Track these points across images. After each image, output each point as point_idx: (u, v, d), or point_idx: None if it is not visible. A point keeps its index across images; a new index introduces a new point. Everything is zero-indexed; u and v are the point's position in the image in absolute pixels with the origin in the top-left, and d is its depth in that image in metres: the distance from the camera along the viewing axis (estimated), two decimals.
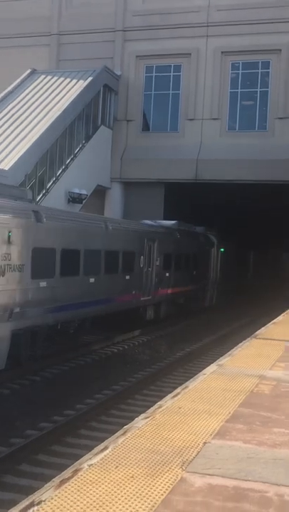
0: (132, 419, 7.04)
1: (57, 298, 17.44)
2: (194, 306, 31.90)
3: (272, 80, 30.97)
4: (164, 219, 30.53)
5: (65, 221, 18.44)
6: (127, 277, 22.91)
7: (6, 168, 23.84)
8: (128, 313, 23.84)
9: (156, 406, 7.28)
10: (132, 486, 4.66)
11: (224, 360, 10.65)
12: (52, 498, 4.31)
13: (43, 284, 16.59)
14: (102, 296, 20.46)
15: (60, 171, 28.05)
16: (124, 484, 4.68)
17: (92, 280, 19.73)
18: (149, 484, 4.71)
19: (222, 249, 35.82)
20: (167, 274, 27.02)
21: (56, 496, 4.37)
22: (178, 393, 7.92)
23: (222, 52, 31.39)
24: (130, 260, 23.29)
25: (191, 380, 8.97)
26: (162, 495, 4.52)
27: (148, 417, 6.70)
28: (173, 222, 29.37)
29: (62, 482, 4.68)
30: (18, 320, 15.47)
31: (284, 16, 29.95)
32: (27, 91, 31.00)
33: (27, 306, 15.81)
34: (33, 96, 30.42)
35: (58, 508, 4.16)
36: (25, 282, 15.70)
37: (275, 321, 17.56)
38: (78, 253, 18.83)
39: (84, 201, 29.02)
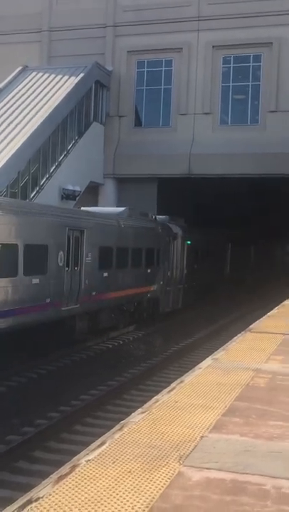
0: (128, 414, 7.06)
1: None
2: (153, 311, 26.65)
3: (263, 74, 31.00)
4: (158, 214, 30.48)
5: None
6: (35, 281, 17.04)
7: None
8: (51, 327, 18.45)
9: (152, 401, 7.30)
10: (130, 481, 4.67)
11: (219, 354, 10.67)
12: (50, 495, 4.31)
13: None
14: None
15: (53, 167, 28.03)
16: (121, 479, 4.68)
17: None
18: (147, 479, 4.72)
19: (188, 242, 30.39)
20: (106, 274, 21.14)
21: (54, 492, 4.37)
22: (174, 388, 7.93)
23: (213, 46, 31.36)
24: (40, 257, 17.34)
25: (187, 374, 8.98)
26: (160, 489, 4.53)
27: (144, 412, 6.71)
28: (121, 209, 25.12)
29: (60, 478, 4.68)
30: None
31: (275, 9, 29.95)
32: (19, 88, 30.95)
33: None
34: (25, 93, 30.36)
35: (56, 504, 4.16)
36: None
37: (269, 314, 17.59)
38: None
39: (77, 198, 28.99)
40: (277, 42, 30.39)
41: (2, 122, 27.77)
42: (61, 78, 30.94)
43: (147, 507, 4.21)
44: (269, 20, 30.02)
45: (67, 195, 28.31)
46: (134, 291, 23.93)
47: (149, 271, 25.56)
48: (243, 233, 44.90)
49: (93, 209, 24.49)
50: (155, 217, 27.94)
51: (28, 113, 28.20)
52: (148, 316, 26.18)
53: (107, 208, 25.39)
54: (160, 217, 28.55)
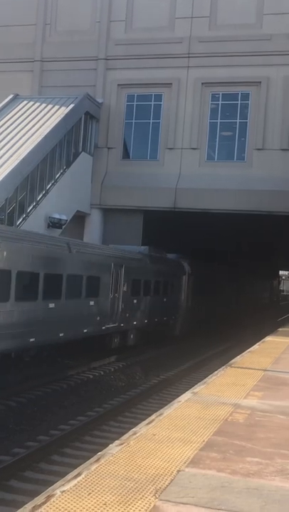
0: (106, 445, 7.05)
1: None
2: None
3: (251, 112, 31.33)
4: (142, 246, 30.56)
5: None
6: None
7: None
8: None
9: (130, 433, 7.31)
10: None
11: (199, 387, 10.70)
12: None
13: None
14: None
15: (40, 195, 28.09)
16: None
17: None
18: None
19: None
20: None
21: None
22: (152, 420, 7.95)
23: (202, 83, 31.74)
24: None
25: (166, 407, 9.00)
26: None
27: (122, 444, 6.72)
28: None
29: (34, 508, 4.68)
30: None
31: (264, 49, 30.46)
32: (9, 116, 31.12)
33: None
34: (15, 121, 30.53)
35: None
36: None
37: (250, 349, 17.67)
38: None
39: (64, 226, 29.05)
40: (265, 81, 30.83)
41: None
42: (52, 108, 31.18)
43: None
44: (258, 60, 30.49)
45: (53, 224, 28.36)
46: None
47: None
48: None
49: None
50: None
51: (17, 141, 28.33)
52: None
53: None
54: None
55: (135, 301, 26.47)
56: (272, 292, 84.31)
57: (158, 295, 29.31)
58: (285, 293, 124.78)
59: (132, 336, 26.50)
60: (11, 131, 29.43)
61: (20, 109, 31.72)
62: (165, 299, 30.48)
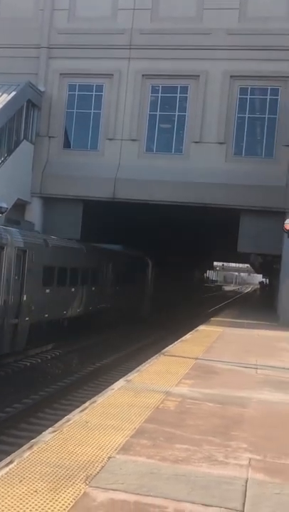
0: (41, 432, 7.16)
1: None
2: None
3: (189, 105, 31.57)
4: (82, 236, 30.55)
5: None
6: None
7: None
8: None
9: (64, 420, 7.45)
10: (35, 500, 4.80)
11: (132, 375, 10.89)
12: None
13: None
14: None
15: None
16: (27, 499, 4.81)
17: None
18: (52, 499, 4.86)
19: None
20: None
21: None
22: (86, 407, 8.10)
23: (143, 75, 31.78)
24: None
25: (100, 394, 9.16)
26: (64, 510, 4.68)
27: (55, 431, 6.86)
28: None
29: None
30: None
31: (203, 43, 30.69)
32: None
33: None
34: None
35: None
36: None
37: (183, 338, 17.95)
38: None
39: (4, 214, 28.78)
40: (204, 75, 31.05)
41: None
42: None
43: None
44: (197, 54, 30.67)
45: None
46: None
47: None
48: None
49: None
50: None
51: None
52: None
53: None
54: None
55: None
56: (193, 284, 77.08)
57: None
58: (218, 283, 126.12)
59: None
60: None
61: None
62: None
